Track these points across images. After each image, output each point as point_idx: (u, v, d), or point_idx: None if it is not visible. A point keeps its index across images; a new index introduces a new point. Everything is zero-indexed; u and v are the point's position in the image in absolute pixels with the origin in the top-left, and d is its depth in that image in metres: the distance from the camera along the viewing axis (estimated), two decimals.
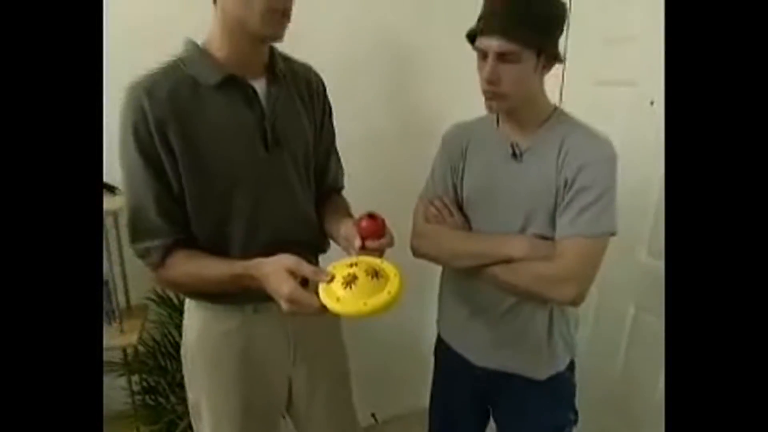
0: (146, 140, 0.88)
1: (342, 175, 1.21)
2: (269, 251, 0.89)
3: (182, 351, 1.10)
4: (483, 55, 0.97)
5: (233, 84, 0.93)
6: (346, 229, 0.97)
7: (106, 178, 1.39)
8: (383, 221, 0.92)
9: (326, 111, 1.13)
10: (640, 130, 1.57)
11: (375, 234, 0.90)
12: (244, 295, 0.96)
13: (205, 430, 1.08)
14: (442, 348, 1.26)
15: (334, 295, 0.78)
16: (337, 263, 0.84)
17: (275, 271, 0.83)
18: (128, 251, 1.45)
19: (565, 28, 1.00)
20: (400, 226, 1.12)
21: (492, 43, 0.93)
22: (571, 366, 1.17)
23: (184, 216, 0.95)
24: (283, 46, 1.01)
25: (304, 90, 1.06)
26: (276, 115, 0.98)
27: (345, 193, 1.22)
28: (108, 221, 1.36)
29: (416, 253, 1.15)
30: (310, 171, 1.09)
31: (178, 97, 0.90)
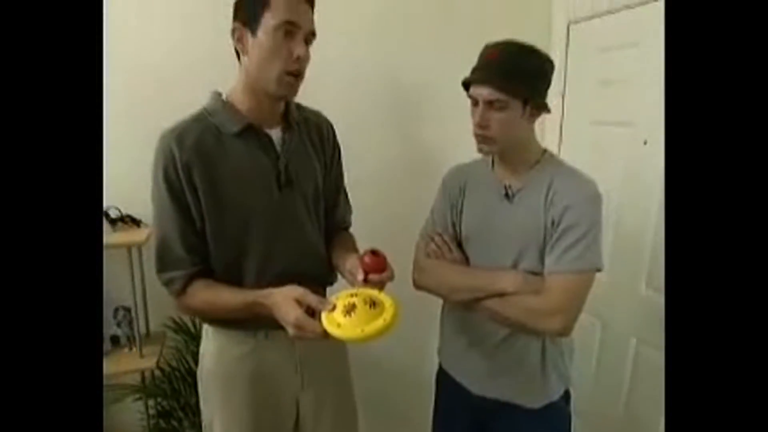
0: (174, 181, 1.00)
1: (349, 213, 1.30)
2: (280, 283, 0.98)
3: (198, 373, 1.19)
4: (475, 102, 1.07)
5: (251, 132, 1.05)
6: (351, 263, 1.05)
7: (132, 213, 1.52)
8: (384, 257, 1.00)
9: (335, 154, 1.23)
10: (636, 168, 1.64)
11: (377, 269, 0.98)
12: (257, 322, 1.04)
13: None
14: (442, 377, 1.31)
15: (335, 322, 0.86)
16: (340, 294, 0.93)
17: (284, 299, 0.92)
18: (149, 280, 1.55)
19: (552, 80, 1.10)
20: (406, 259, 1.21)
21: (482, 92, 1.04)
22: (566, 396, 1.21)
23: (205, 249, 1.06)
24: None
25: (315, 135, 1.17)
26: (288, 158, 1.09)
27: (354, 226, 1.31)
28: (133, 252, 1.46)
29: (417, 286, 1.22)
30: (320, 208, 1.19)
31: (204, 143, 1.02)
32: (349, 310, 0.86)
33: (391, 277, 1.00)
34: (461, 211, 1.21)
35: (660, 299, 1.58)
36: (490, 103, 1.04)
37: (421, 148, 1.87)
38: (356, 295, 0.90)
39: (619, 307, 1.73)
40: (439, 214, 1.24)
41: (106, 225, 1.46)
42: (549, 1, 1.91)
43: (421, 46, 1.81)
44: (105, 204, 1.47)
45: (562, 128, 1.93)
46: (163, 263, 1.05)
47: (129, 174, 1.51)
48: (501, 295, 1.08)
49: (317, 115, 1.21)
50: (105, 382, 1.58)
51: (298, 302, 0.91)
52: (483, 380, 1.19)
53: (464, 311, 1.19)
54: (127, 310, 1.52)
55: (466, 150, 1.25)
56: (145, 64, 1.54)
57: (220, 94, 1.09)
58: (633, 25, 1.62)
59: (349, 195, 1.31)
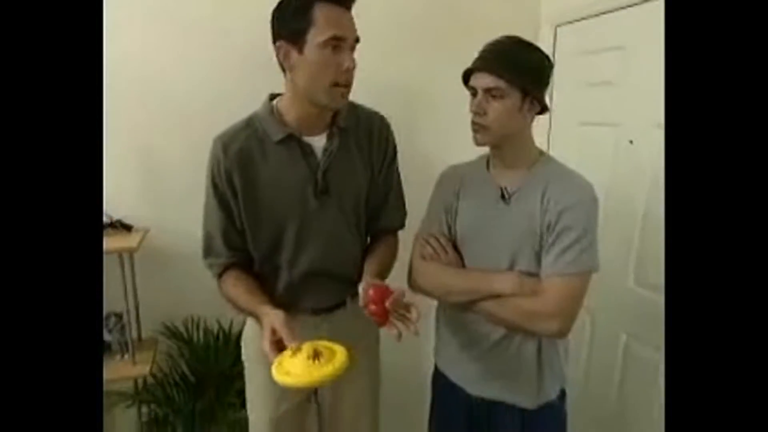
0: (219, 184, 1.12)
1: (399, 214, 1.30)
2: (307, 277, 1.17)
3: (242, 343, 1.32)
4: (474, 92, 1.09)
5: (293, 141, 1.11)
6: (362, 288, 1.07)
7: (125, 219, 1.50)
8: (383, 289, 1.01)
9: (387, 156, 1.24)
10: (622, 168, 1.67)
11: (380, 299, 1.00)
12: (285, 306, 1.11)
13: (250, 413, 1.29)
14: (439, 378, 1.32)
15: (281, 361, 0.94)
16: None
17: (267, 324, 1.01)
18: (141, 286, 1.53)
19: (550, 80, 1.12)
20: (403, 261, 1.25)
21: (482, 80, 1.06)
22: (562, 395, 1.23)
23: (244, 243, 1.17)
24: None
25: (365, 138, 1.19)
26: (328, 166, 1.13)
27: None
28: (125, 258, 1.44)
29: (413, 288, 1.22)
30: (360, 213, 1.22)
31: (247, 151, 1.11)
32: (295, 352, 0.93)
33: (399, 297, 1.00)
34: (457, 213, 1.21)
35: (648, 295, 1.61)
36: (488, 91, 1.05)
37: (418, 154, 1.88)
38: (312, 345, 0.95)
39: (608, 303, 1.76)
40: (434, 216, 1.25)
41: None
42: (538, 5, 1.94)
43: (413, 52, 1.82)
44: None
45: (551, 129, 1.96)
46: (206, 250, 1.19)
47: (119, 180, 1.51)
48: (497, 296, 1.09)
49: (371, 115, 1.23)
50: None
51: (275, 330, 0.97)
52: (479, 381, 1.20)
53: (459, 312, 1.19)
54: (119, 316, 1.50)
55: (463, 157, 1.27)
56: (132, 74, 1.52)
57: (272, 99, 1.15)
58: (618, 28, 1.65)
59: None
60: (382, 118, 1.24)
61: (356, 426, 1.33)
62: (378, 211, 1.26)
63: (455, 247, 1.21)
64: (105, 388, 1.49)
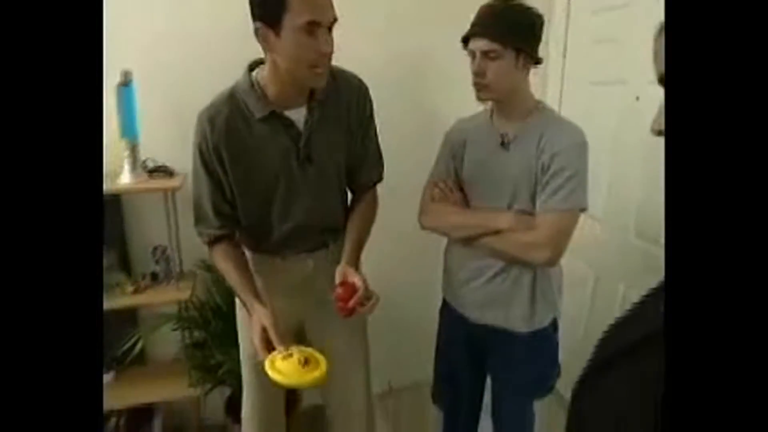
0: (207, 157, 1.16)
1: (377, 169, 1.36)
2: (293, 235, 1.25)
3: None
4: (473, 55, 1.20)
5: (275, 117, 1.15)
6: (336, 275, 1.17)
7: (168, 164, 1.68)
8: (351, 288, 1.12)
9: (364, 119, 1.28)
10: (628, 123, 1.74)
11: (346, 298, 1.11)
12: (276, 250, 1.27)
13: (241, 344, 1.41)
14: (445, 308, 1.47)
15: (276, 365, 1.03)
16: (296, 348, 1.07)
17: (257, 321, 1.10)
18: (182, 224, 1.72)
19: (543, 34, 1.21)
20: (414, 209, 1.38)
21: (478, 44, 1.17)
22: (554, 324, 1.36)
23: (232, 211, 1.23)
24: None
25: (343, 107, 1.23)
26: (309, 136, 1.18)
27: None
28: (168, 197, 1.63)
29: (423, 226, 1.37)
30: (341, 176, 1.29)
31: (232, 126, 1.14)
32: (286, 357, 1.03)
33: (363, 298, 1.11)
34: (462, 159, 1.34)
35: (647, 247, 1.71)
36: (485, 54, 1.16)
37: (425, 112, 1.98)
38: (301, 352, 1.05)
39: (610, 254, 1.87)
40: (442, 163, 1.38)
41: (143, 174, 1.62)
42: None
43: (421, 17, 1.89)
44: (143, 157, 1.63)
45: (563, 85, 2.03)
46: (196, 218, 1.25)
47: (162, 132, 1.68)
48: (497, 232, 1.22)
49: (349, 81, 1.24)
50: (146, 311, 1.79)
51: (264, 329, 1.06)
52: (479, 309, 1.34)
53: (463, 248, 1.33)
54: (164, 249, 1.70)
55: (465, 113, 1.38)
56: (169, 42, 1.68)
57: (252, 70, 1.17)
58: None
59: None
60: (359, 83, 1.26)
61: (347, 372, 1.39)
62: (358, 168, 1.32)
63: (461, 190, 1.34)
64: (153, 310, 1.71)
